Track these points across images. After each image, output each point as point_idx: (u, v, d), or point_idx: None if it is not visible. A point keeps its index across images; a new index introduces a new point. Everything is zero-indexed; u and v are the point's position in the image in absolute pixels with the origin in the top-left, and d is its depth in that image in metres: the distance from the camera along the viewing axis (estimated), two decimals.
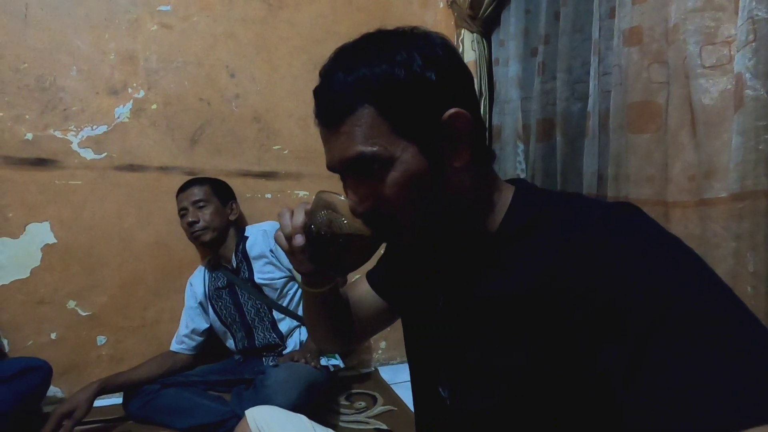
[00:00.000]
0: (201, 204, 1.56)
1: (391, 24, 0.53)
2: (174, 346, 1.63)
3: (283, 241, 0.58)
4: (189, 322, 1.65)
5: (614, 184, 1.10)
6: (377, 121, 0.47)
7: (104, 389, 1.38)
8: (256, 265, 1.61)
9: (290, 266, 1.51)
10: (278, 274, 1.62)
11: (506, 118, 1.67)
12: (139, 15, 1.67)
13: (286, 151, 1.86)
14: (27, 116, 1.57)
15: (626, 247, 0.41)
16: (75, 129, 1.62)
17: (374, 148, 0.47)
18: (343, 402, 1.61)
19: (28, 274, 1.59)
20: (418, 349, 0.67)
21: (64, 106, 1.60)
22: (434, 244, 0.56)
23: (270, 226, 1.68)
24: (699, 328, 0.35)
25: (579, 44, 1.34)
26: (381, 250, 0.67)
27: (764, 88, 0.76)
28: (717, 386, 0.33)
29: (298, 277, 0.95)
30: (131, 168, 1.68)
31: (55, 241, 1.61)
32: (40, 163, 1.59)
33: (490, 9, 1.68)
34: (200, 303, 1.66)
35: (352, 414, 1.51)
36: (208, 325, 1.67)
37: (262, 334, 1.62)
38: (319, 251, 0.54)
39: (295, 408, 0.94)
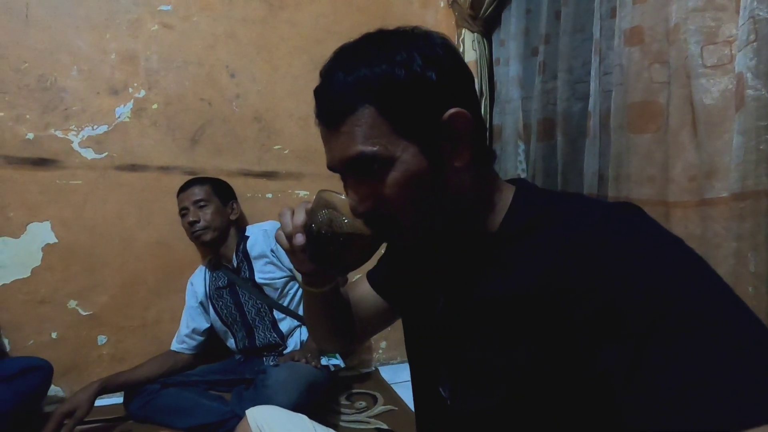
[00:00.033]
0: (202, 204, 1.56)
1: (391, 24, 0.53)
2: (174, 346, 1.63)
3: (284, 240, 0.58)
4: (190, 321, 1.65)
5: (615, 184, 1.10)
6: (378, 121, 0.47)
7: (105, 389, 1.38)
8: (257, 265, 1.61)
9: (291, 266, 1.51)
10: (279, 273, 1.62)
11: (507, 118, 1.67)
12: (140, 15, 1.67)
13: (286, 151, 1.86)
14: (28, 116, 1.57)
15: (627, 247, 0.41)
16: (76, 129, 1.62)
17: (374, 148, 0.47)
18: (344, 402, 1.61)
19: (29, 274, 1.59)
20: (418, 349, 0.67)
21: (65, 105, 1.60)
22: (435, 244, 0.56)
23: (271, 225, 1.68)
24: (699, 328, 0.35)
25: (580, 44, 1.34)
26: (381, 250, 0.67)
27: (765, 88, 0.76)
28: (717, 386, 0.33)
29: (299, 276, 0.95)
30: (132, 168, 1.68)
31: (56, 240, 1.61)
32: (41, 162, 1.59)
33: (490, 9, 1.67)
34: (201, 302, 1.67)
35: (353, 414, 1.51)
36: (208, 325, 1.67)
37: (262, 334, 1.62)
38: (319, 250, 0.54)
39: (295, 408, 0.94)
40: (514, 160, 1.64)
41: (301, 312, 1.64)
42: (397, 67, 0.47)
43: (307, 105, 0.55)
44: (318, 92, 0.52)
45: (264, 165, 1.83)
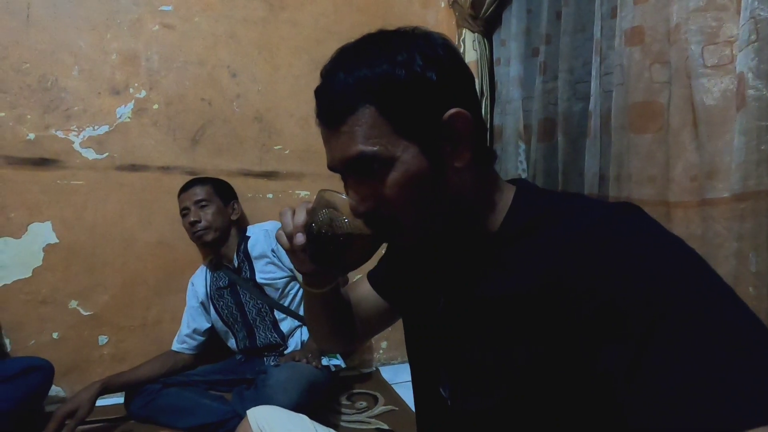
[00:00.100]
0: (203, 204, 1.56)
1: (392, 24, 0.53)
2: (175, 346, 1.64)
3: (285, 240, 0.58)
4: (190, 321, 1.65)
5: (616, 185, 1.10)
6: (378, 121, 0.47)
7: (106, 389, 1.38)
8: (258, 265, 1.61)
9: (292, 266, 1.51)
10: (280, 274, 1.62)
11: (507, 118, 1.67)
12: (141, 15, 1.67)
13: (287, 151, 1.86)
14: (29, 116, 1.57)
15: (627, 247, 0.41)
16: (77, 129, 1.62)
17: (375, 148, 0.47)
18: (345, 402, 1.61)
19: (30, 274, 1.59)
20: (418, 349, 0.67)
21: (66, 106, 1.61)
22: (435, 244, 0.56)
23: (271, 225, 1.68)
24: (700, 327, 0.35)
25: (580, 44, 1.34)
26: (382, 250, 0.67)
27: (766, 88, 0.76)
28: (718, 386, 0.33)
29: (300, 276, 0.96)
30: (133, 168, 1.68)
31: (57, 240, 1.61)
32: (42, 163, 1.59)
33: (491, 9, 1.67)
34: (202, 302, 1.67)
35: (354, 414, 1.52)
36: (209, 325, 1.67)
37: (263, 334, 1.62)
38: (319, 250, 0.54)
39: (296, 408, 0.94)
40: (515, 161, 1.64)
41: (301, 312, 1.64)
42: (398, 67, 0.47)
43: (308, 105, 0.55)
44: (318, 92, 0.52)
45: (265, 165, 1.84)
